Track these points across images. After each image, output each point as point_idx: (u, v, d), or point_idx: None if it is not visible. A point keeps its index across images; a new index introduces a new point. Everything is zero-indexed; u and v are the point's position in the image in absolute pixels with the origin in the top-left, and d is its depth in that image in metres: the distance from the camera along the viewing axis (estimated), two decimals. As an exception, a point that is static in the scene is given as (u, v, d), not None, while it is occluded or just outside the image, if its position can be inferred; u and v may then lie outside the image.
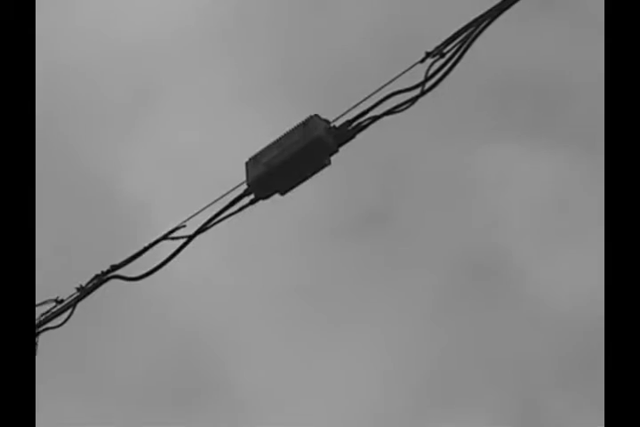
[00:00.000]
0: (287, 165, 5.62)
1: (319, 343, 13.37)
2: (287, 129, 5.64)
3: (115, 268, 6.57)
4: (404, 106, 5.38)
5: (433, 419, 12.93)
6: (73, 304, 6.73)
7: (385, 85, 5.34)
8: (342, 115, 5.51)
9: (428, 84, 5.29)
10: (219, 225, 6.16)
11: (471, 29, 5.21)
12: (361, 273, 13.27)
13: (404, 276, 13.29)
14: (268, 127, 12.19)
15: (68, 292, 6.75)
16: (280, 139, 5.68)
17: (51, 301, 6.82)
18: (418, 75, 5.34)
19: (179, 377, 13.10)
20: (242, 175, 5.88)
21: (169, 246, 6.42)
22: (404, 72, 5.31)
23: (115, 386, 12.63)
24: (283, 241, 12.85)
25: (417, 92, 5.34)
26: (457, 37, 5.27)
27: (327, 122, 5.56)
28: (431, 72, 5.29)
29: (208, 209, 6.10)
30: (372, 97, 5.39)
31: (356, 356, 13.26)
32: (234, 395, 13.28)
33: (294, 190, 5.84)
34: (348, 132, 5.50)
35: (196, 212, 6.03)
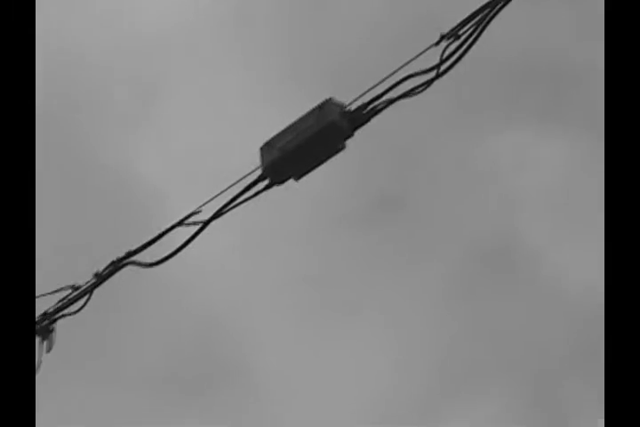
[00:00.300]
0: (302, 149, 5.61)
1: (331, 330, 13.38)
2: (302, 113, 5.62)
3: (130, 254, 6.58)
4: (420, 89, 5.35)
5: (444, 406, 12.93)
6: (89, 291, 6.74)
7: (400, 68, 5.32)
8: (357, 98, 5.49)
9: (443, 67, 5.27)
10: (233, 211, 6.16)
11: (487, 11, 5.18)
12: (372, 260, 13.27)
13: (415, 262, 13.29)
14: (280, 113, 12.17)
15: (84, 279, 6.78)
16: (294, 123, 5.66)
17: (67, 287, 6.83)
18: (433, 58, 5.32)
19: (195, 363, 13.13)
20: (256, 161, 5.87)
21: (184, 232, 6.43)
22: (418, 55, 5.29)
23: (131, 372, 12.67)
24: (296, 227, 12.85)
25: (432, 74, 5.32)
26: (472, 19, 5.24)
27: (342, 106, 5.54)
28: (446, 54, 5.26)
29: (223, 195, 6.10)
30: (387, 80, 5.38)
31: (367, 343, 13.28)
32: (249, 380, 13.31)
33: (308, 175, 5.83)
34: (362, 115, 5.48)
35: (211, 197, 6.03)
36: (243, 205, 6.09)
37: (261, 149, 5.77)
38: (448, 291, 13.22)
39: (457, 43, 5.26)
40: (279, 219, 12.55)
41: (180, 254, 6.44)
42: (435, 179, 13.04)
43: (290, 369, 13.28)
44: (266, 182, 5.81)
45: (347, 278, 13.27)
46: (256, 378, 13.32)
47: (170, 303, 12.51)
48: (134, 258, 6.54)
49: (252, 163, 5.89)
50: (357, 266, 13.25)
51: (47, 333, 6.97)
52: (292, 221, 12.77)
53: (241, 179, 5.86)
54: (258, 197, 5.99)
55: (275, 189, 5.92)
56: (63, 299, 6.83)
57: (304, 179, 5.84)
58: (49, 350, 6.98)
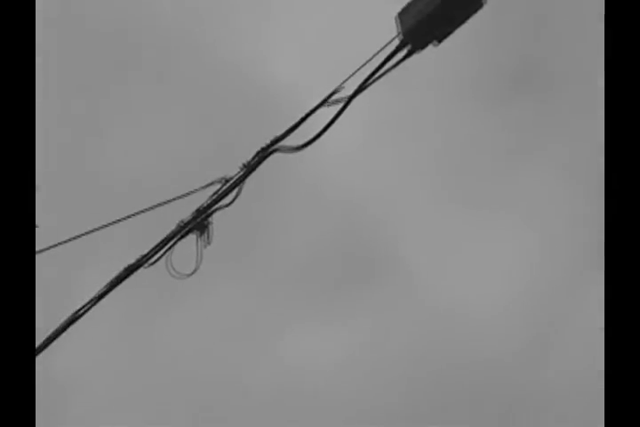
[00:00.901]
0: (440, 10, 5.44)
1: (470, 215, 13.27)
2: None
3: (275, 141, 6.55)
4: None
5: (587, 283, 12.79)
6: (239, 182, 6.76)
7: None
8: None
9: None
10: (370, 92, 6.06)
11: None
12: (510, 139, 13.03)
13: (553, 141, 13.01)
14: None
15: (234, 171, 6.80)
16: (429, -15, 5.48)
17: (218, 181, 6.85)
18: None
19: (339, 253, 13.19)
20: (393, 31, 5.72)
21: (326, 115, 6.36)
22: None
23: (279, 264, 12.79)
24: (433, 106, 12.66)
25: None
26: None
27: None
28: None
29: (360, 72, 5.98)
30: None
31: (507, 225, 13.14)
32: (393, 269, 13.33)
33: (448, 40, 5.66)
34: (500, -32, 5.27)
35: (352, 73, 5.92)
36: (379, 86, 5.98)
37: (398, 16, 5.62)
38: (577, 166, 12.95)
39: None
40: (414, 100, 12.37)
41: (319, 143, 6.39)
42: (575, 40, 12.63)
43: (434, 258, 13.25)
44: (406, 50, 5.67)
45: (482, 160, 13.09)
46: (401, 267, 13.34)
47: (314, 193, 12.53)
48: (280, 144, 6.51)
49: (389, 33, 5.76)
50: (492, 147, 13.04)
51: (203, 228, 7.04)
52: (428, 100, 12.58)
53: (381, 49, 5.73)
54: (397, 70, 5.86)
55: (413, 60, 5.78)
56: (215, 192, 6.87)
57: (443, 45, 5.68)
58: (207, 244, 7.05)
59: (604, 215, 4.56)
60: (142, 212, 7.38)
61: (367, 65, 5.93)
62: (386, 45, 5.69)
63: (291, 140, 6.59)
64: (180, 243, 7.07)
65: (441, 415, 12.69)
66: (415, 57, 5.77)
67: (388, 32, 5.81)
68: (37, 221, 8.43)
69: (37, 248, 8.13)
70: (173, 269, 7.00)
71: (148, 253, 7.08)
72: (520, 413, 12.58)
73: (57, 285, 10.84)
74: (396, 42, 5.74)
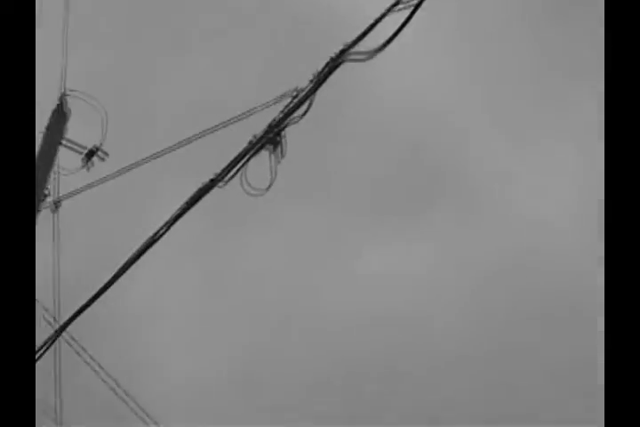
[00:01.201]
0: None
1: (539, 128, 13.06)
2: None
3: (344, 50, 6.39)
4: None
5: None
6: (310, 94, 6.62)
7: None
8: None
9: None
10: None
11: None
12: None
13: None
14: None
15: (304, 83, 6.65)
16: None
17: (289, 94, 6.70)
18: None
19: (416, 164, 13.10)
20: None
21: (395, 22, 6.17)
22: None
23: (357, 175, 12.72)
24: (501, 12, 12.39)
25: None
26: None
27: None
28: None
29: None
30: None
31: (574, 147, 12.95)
32: (463, 187, 13.22)
33: None
34: None
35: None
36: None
37: None
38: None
39: None
40: (483, 15, 12.11)
41: (389, 51, 6.21)
42: None
43: (500, 172, 13.11)
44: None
45: (548, 76, 12.82)
46: (469, 182, 13.22)
47: (386, 103, 12.37)
48: (350, 52, 6.35)
49: None
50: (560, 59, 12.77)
51: (276, 143, 6.92)
52: (496, 7, 12.30)
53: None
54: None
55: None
56: (286, 106, 6.73)
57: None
58: (280, 160, 6.95)
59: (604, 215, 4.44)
60: (214, 129, 7.28)
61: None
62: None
63: (360, 49, 6.43)
64: (252, 160, 6.96)
65: (514, 323, 12.67)
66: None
67: None
68: (107, 148, 8.38)
69: (109, 172, 8.10)
70: (249, 185, 6.90)
71: (221, 172, 6.98)
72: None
73: (132, 209, 10.86)
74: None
